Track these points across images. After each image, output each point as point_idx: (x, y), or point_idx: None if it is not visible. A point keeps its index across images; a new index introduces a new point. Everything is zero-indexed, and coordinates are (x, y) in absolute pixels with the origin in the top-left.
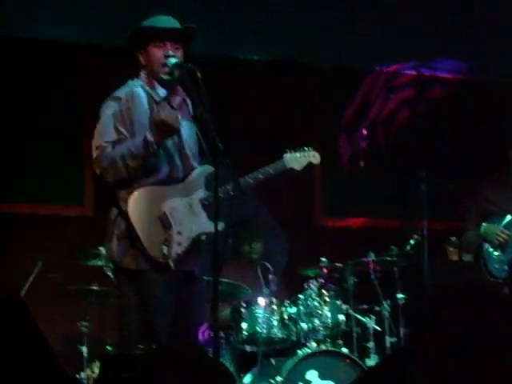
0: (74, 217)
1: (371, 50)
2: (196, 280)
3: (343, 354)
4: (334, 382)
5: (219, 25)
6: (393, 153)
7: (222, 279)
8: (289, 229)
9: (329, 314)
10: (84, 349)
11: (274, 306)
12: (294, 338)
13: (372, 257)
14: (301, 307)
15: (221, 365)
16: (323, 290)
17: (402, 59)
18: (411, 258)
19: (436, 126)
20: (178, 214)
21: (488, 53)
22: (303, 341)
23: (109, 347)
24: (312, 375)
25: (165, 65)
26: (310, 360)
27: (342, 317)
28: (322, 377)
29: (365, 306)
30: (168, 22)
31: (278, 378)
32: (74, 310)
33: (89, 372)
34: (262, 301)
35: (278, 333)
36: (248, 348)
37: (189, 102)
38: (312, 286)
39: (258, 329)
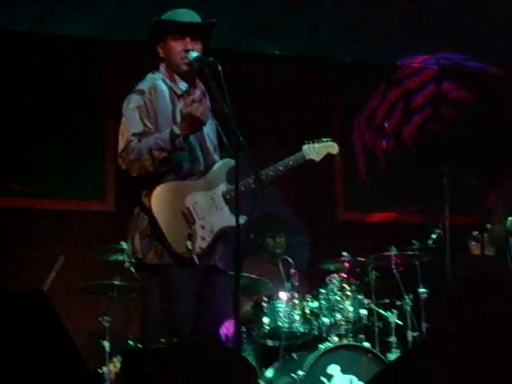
0: (96, 212)
1: (393, 44)
2: (221, 274)
3: (365, 349)
4: (356, 376)
5: (240, 19)
6: (415, 148)
7: (243, 273)
8: (311, 223)
9: (350, 309)
10: (106, 343)
11: (296, 301)
12: (316, 333)
13: (394, 251)
14: (322, 301)
15: (243, 359)
16: (345, 285)
17: (424, 53)
18: (433, 252)
19: (459, 121)
20: (201, 209)
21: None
22: (325, 335)
23: (131, 341)
24: (334, 369)
25: (185, 58)
26: (332, 354)
27: (363, 311)
28: (344, 371)
29: (386, 301)
30: (188, 15)
31: (300, 373)
32: (96, 304)
33: (111, 366)
34: (283, 295)
35: (299, 327)
36: (270, 342)
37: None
38: (334, 280)
39: (279, 323)
